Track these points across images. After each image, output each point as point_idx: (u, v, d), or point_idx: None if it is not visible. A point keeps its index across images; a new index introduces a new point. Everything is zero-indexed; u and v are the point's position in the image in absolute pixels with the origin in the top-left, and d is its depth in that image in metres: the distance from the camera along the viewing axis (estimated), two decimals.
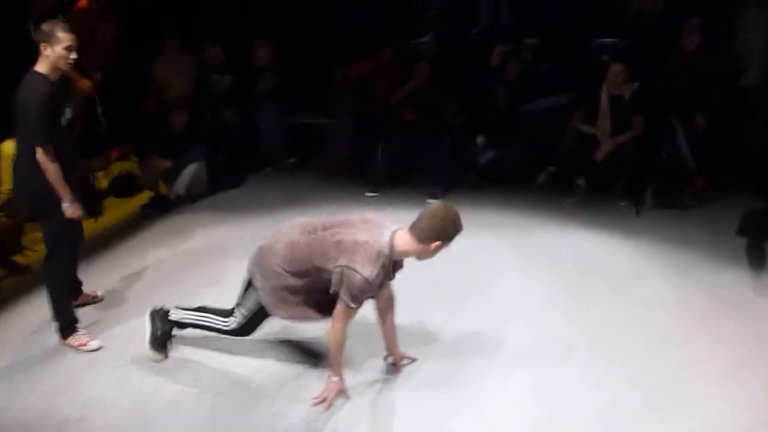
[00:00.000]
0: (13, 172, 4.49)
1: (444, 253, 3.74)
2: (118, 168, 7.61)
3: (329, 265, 3.62)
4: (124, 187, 7.44)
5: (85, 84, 6.89)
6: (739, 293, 4.98)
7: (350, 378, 3.92)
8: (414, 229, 3.65)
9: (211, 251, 5.87)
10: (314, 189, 7.62)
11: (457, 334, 4.50)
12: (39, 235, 6.07)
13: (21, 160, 4.33)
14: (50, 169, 4.18)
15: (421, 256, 3.71)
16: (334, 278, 3.60)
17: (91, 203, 6.80)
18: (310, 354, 4.29)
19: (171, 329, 4.24)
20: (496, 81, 7.70)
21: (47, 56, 4.14)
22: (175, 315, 4.22)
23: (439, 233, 3.62)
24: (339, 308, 3.63)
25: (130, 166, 7.74)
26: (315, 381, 4.00)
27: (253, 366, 4.17)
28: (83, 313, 4.76)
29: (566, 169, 7.39)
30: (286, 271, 3.76)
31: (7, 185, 6.12)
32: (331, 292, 3.65)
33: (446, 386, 3.95)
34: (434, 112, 7.49)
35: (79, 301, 4.89)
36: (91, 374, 4.13)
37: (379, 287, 3.72)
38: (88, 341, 4.45)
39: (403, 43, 8.22)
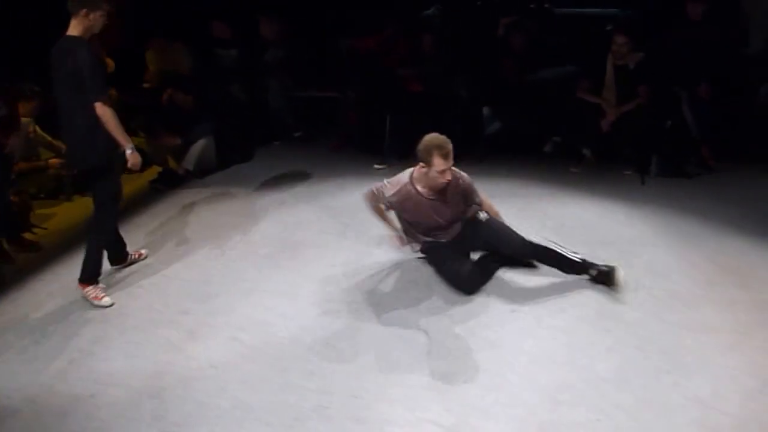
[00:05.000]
0: (73, 142, 4.72)
1: None
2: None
3: None
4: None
5: (110, 63, 7.05)
6: (742, 261, 5.03)
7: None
8: None
9: (220, 226, 5.92)
10: (322, 162, 7.67)
11: (467, 305, 4.57)
12: (46, 212, 6.21)
13: (79, 124, 4.57)
14: (112, 119, 4.54)
15: (426, 179, 4.59)
16: None
17: None
18: (316, 332, 4.34)
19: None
20: (502, 52, 7.69)
21: (83, 21, 4.49)
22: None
23: (420, 158, 4.52)
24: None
25: (138, 141, 7.75)
26: (324, 362, 4.06)
27: (261, 340, 4.23)
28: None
29: (572, 139, 7.41)
30: None
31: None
32: None
33: (458, 354, 4.02)
34: (441, 84, 7.49)
35: (128, 262, 5.26)
36: (101, 350, 4.17)
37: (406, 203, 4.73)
38: (102, 297, 4.76)
39: (409, 15, 8.21)
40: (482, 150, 7.46)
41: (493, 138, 7.68)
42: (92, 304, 4.70)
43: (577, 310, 4.45)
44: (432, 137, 4.53)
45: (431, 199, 4.69)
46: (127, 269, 5.21)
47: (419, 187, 4.67)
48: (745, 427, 3.34)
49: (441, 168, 4.45)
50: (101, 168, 4.70)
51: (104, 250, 4.96)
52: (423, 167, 4.56)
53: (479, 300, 4.59)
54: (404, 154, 7.42)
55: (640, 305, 4.47)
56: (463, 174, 4.76)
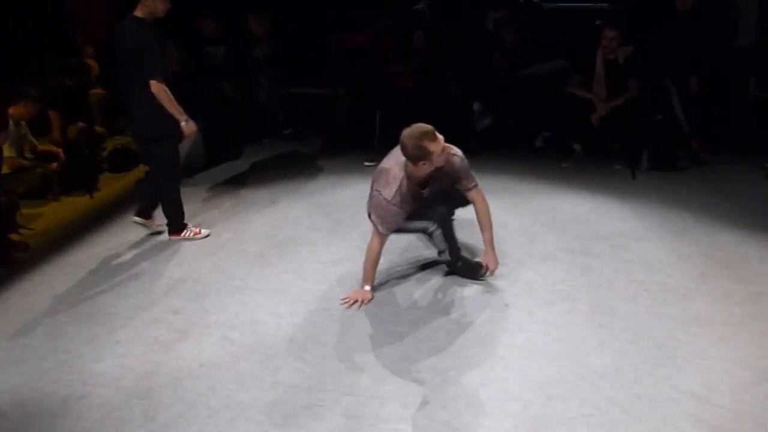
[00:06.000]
0: (139, 114, 5.23)
1: None
2: (113, 143, 7.62)
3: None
4: (119, 162, 7.43)
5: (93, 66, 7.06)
6: (733, 253, 5.04)
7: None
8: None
9: (209, 224, 5.88)
10: (312, 159, 7.65)
11: (460, 298, 4.56)
12: (34, 213, 6.17)
13: (143, 98, 5.06)
14: (165, 96, 5.05)
15: (422, 170, 4.30)
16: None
17: (88, 179, 6.83)
18: (308, 330, 4.30)
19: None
20: (493, 47, 7.67)
21: (147, 5, 4.99)
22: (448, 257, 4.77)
23: (415, 158, 4.22)
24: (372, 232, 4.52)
25: (125, 140, 7.72)
26: (316, 360, 4.02)
27: (253, 339, 4.19)
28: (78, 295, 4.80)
29: (563, 133, 7.41)
30: None
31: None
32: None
33: (451, 349, 3.99)
34: (432, 79, 7.47)
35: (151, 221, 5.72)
36: (90, 351, 4.12)
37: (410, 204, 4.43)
38: (199, 230, 5.64)
39: (399, 11, 8.19)
40: (474, 146, 7.45)
41: (484, 133, 7.67)
42: (194, 240, 5.55)
43: (569, 304, 4.43)
44: (410, 133, 4.21)
45: (425, 188, 4.51)
46: (116, 268, 5.17)
47: (414, 178, 4.40)
48: (739, 420, 3.32)
49: (439, 149, 4.22)
50: (162, 138, 5.25)
51: (179, 197, 5.58)
52: (423, 164, 4.24)
53: (472, 296, 4.57)
54: None
55: (632, 299, 4.46)
56: (458, 151, 4.52)
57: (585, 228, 5.56)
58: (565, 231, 5.51)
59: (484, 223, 4.69)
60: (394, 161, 4.42)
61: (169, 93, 5.08)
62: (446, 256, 4.78)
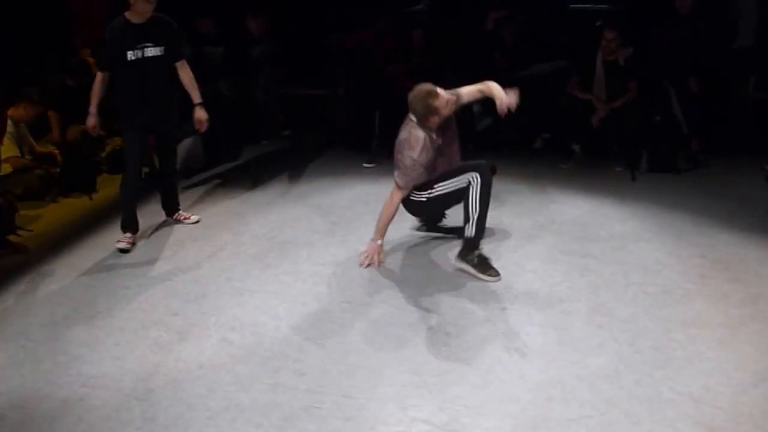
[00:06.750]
0: None
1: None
2: (112, 144, 7.61)
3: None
4: (119, 163, 7.40)
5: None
6: (732, 255, 5.05)
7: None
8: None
9: (208, 225, 5.89)
10: (310, 161, 7.65)
11: (458, 299, 4.55)
12: (32, 214, 6.19)
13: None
14: (94, 86, 5.40)
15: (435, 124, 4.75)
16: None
17: (87, 181, 6.82)
18: (306, 332, 4.30)
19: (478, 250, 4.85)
20: (492, 47, 7.66)
21: (132, 3, 5.19)
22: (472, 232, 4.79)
23: (423, 117, 4.70)
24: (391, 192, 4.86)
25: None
26: (315, 362, 4.02)
27: (252, 340, 4.18)
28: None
29: (562, 135, 7.41)
30: None
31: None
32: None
33: (449, 351, 3.99)
34: (431, 79, 7.45)
35: (174, 218, 6.00)
36: (89, 352, 4.10)
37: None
38: (121, 240, 5.46)
39: (398, 11, 8.19)
40: (473, 147, 7.43)
41: (484, 134, 7.66)
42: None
43: (568, 306, 4.43)
44: (415, 95, 4.70)
45: (439, 142, 4.85)
46: (114, 269, 5.16)
47: (433, 136, 4.79)
48: (737, 421, 3.33)
49: (443, 102, 4.66)
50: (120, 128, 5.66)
51: (130, 202, 5.57)
52: (434, 118, 4.67)
53: (469, 298, 4.57)
54: (392, 153, 7.44)
55: (631, 301, 4.46)
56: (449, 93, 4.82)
57: (584, 229, 5.56)
58: (564, 232, 5.51)
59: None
60: (408, 131, 4.79)
61: (98, 87, 5.38)
62: (470, 231, 4.79)
